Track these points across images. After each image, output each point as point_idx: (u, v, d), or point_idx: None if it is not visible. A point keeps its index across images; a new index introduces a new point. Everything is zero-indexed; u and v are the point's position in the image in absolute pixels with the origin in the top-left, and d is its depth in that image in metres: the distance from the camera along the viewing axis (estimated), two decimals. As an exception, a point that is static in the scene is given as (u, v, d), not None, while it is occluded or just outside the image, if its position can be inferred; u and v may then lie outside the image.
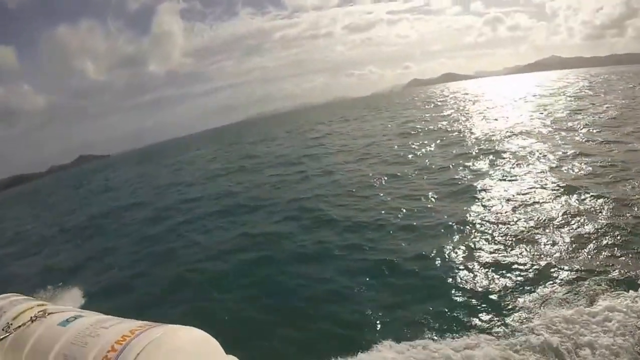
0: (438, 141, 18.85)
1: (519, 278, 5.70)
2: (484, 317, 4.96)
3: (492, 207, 8.70)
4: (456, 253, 6.75)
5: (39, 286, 10.06)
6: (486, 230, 7.44)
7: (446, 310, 5.15)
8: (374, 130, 28.84)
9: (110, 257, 11.12)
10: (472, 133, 19.60)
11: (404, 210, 9.31)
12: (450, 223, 8.03)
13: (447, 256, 6.67)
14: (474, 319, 4.92)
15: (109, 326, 0.94)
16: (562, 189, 8.92)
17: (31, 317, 1.09)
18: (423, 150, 17.18)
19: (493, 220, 7.87)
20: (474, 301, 5.29)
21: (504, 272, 5.93)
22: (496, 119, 24.15)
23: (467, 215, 8.40)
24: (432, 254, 6.77)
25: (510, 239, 6.93)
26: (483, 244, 6.91)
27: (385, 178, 12.96)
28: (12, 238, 19.62)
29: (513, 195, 9.14)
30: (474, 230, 7.55)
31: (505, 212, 8.19)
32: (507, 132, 17.98)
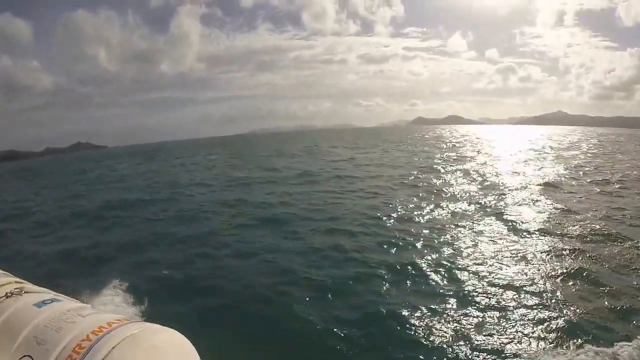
0: (480, 179, 18.36)
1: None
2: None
3: (582, 249, 8.57)
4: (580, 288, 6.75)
5: (59, 273, 9.01)
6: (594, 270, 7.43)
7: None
8: (399, 162, 28.44)
9: (143, 253, 10.00)
10: (511, 177, 19.09)
11: (499, 248, 8.72)
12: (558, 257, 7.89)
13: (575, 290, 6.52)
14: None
15: (86, 315, 0.90)
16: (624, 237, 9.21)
17: (6, 293, 1.04)
18: (469, 187, 16.57)
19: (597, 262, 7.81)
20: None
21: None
22: (525, 167, 23.78)
23: (569, 256, 8.22)
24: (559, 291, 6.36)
25: (615, 275, 7.13)
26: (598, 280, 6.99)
27: (448, 212, 12.24)
28: (13, 214, 18.01)
29: (601, 241, 9.14)
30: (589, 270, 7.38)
31: (601, 255, 8.21)
32: (545, 180, 17.59)
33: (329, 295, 6.43)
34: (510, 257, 8.20)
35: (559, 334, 5.31)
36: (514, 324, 5.53)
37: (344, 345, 5.12)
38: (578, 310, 5.88)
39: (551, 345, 5.11)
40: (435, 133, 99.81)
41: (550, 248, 8.65)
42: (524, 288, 6.62)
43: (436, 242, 9.25)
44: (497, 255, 8.33)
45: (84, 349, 0.77)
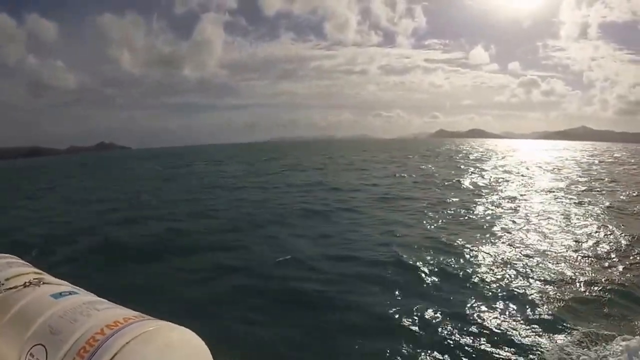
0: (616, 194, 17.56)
1: None
2: None
3: None
4: None
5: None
6: None
7: None
8: (487, 179, 25.45)
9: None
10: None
11: None
12: None
13: None
14: None
15: (102, 309, 0.91)
16: None
17: (25, 282, 1.06)
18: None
19: None
20: None
21: None
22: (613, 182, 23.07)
23: None
24: None
25: None
26: None
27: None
28: (160, 213, 15.69)
29: None
30: None
31: None
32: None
33: None
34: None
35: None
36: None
37: None
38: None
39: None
40: (468, 146, 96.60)
41: None
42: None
43: None
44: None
45: (98, 341, 0.78)
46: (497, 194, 18.61)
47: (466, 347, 5.45)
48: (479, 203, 16.12)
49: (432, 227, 12.22)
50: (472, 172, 29.96)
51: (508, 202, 16.48)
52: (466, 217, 13.50)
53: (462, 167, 35.44)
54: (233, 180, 28.97)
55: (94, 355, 0.75)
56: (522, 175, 28.18)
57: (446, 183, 23.22)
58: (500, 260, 8.92)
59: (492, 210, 14.69)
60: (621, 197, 17.71)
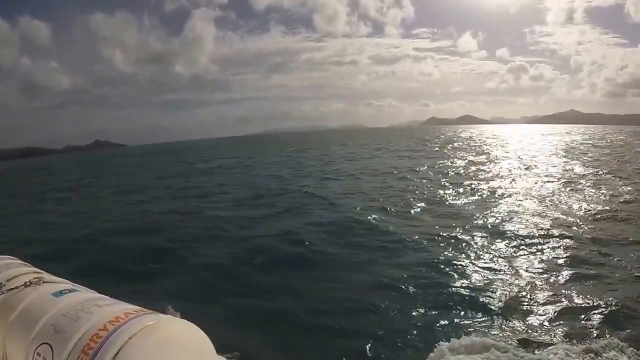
0: None
1: None
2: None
3: None
4: None
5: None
6: None
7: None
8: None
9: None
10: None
11: None
12: None
13: None
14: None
15: (103, 305, 0.92)
16: None
17: (25, 282, 1.06)
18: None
19: None
20: None
21: None
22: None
23: None
24: None
25: None
26: None
27: None
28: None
29: None
30: None
31: None
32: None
33: None
34: None
35: None
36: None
37: None
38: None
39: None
40: (483, 134, 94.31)
41: None
42: None
43: None
44: None
45: (102, 338, 0.78)
46: (582, 179, 18.98)
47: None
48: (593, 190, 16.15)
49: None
50: (516, 160, 29.43)
51: (598, 186, 16.84)
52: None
53: (495, 154, 34.79)
54: (299, 171, 28.45)
55: (99, 352, 0.77)
56: (570, 159, 28.56)
57: (508, 172, 22.62)
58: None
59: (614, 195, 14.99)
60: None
